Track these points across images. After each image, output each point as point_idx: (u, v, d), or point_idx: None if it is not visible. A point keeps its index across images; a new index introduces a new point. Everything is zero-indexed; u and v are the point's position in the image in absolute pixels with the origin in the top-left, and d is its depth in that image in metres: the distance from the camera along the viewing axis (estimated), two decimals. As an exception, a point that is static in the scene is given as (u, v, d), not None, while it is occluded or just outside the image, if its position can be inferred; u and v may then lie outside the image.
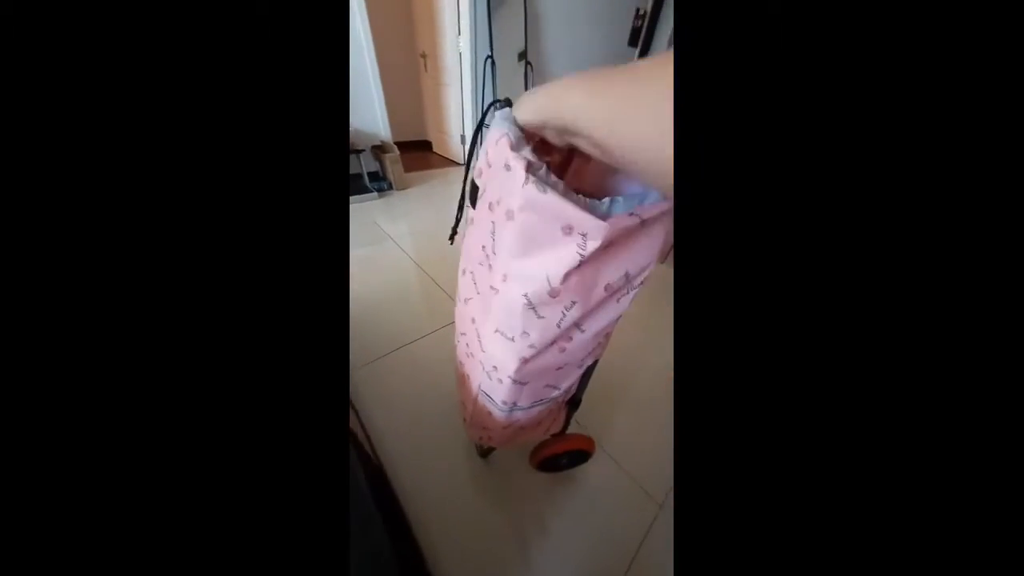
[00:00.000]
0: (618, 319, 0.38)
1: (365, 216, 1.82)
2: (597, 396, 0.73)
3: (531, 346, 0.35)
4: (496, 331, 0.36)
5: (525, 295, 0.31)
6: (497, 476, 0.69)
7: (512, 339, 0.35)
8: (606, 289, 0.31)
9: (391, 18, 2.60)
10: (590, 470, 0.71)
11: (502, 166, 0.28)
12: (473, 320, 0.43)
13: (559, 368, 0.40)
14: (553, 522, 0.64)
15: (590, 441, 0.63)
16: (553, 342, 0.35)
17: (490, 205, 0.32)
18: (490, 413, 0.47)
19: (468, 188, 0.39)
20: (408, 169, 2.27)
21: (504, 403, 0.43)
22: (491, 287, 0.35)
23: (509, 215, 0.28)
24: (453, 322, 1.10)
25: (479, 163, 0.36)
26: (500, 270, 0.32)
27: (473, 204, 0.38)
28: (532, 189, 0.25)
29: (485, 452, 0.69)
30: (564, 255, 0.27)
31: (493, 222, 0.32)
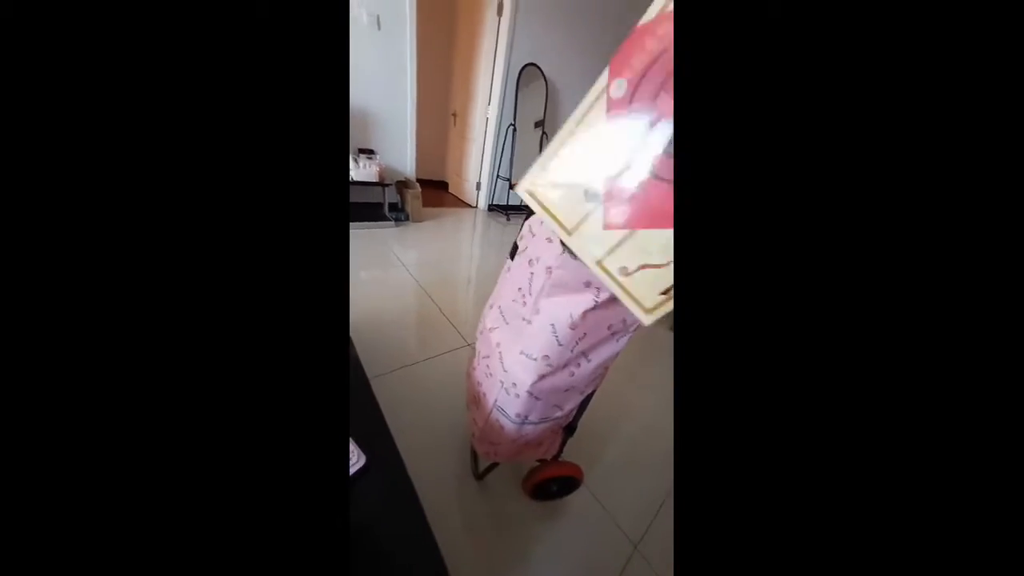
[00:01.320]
0: (615, 356, 0.50)
1: (382, 242, 1.96)
2: (585, 435, 0.80)
3: (549, 365, 0.45)
4: (521, 352, 0.47)
5: (552, 325, 0.42)
6: (486, 500, 0.72)
7: (535, 359, 0.45)
8: (609, 328, 0.43)
9: (433, 80, 3.04)
10: (572, 505, 0.75)
11: (544, 238, 0.42)
12: (498, 344, 0.54)
13: (566, 390, 0.50)
14: (534, 550, 0.67)
15: (579, 469, 0.69)
16: (565, 365, 0.46)
17: (530, 261, 0.45)
18: (502, 428, 0.54)
19: (512, 247, 0.53)
20: (425, 204, 2.49)
21: (517, 416, 0.51)
22: (523, 319, 0.47)
23: (548, 270, 0.41)
24: (452, 350, 1.18)
25: (523, 231, 0.50)
26: (533, 306, 0.44)
27: (512, 258, 0.51)
28: (567, 256, 0.38)
29: (481, 474, 0.73)
30: (583, 300, 0.40)
31: (532, 273, 0.44)
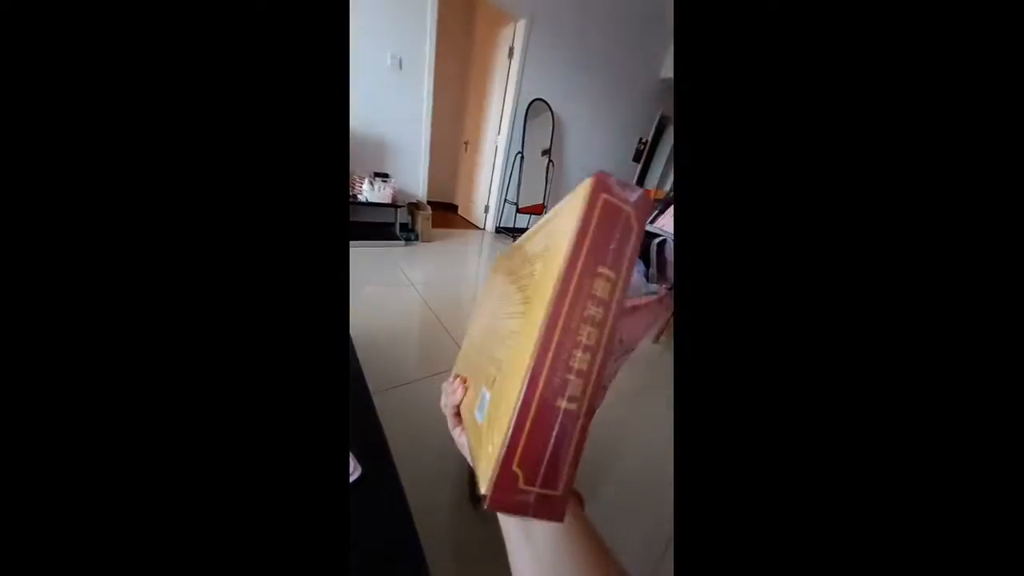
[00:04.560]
0: (613, 375, 0.50)
1: (391, 259, 2.02)
2: (584, 462, 0.76)
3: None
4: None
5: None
6: (482, 526, 0.69)
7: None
8: (607, 348, 0.44)
9: (447, 113, 3.27)
10: (575, 537, 0.71)
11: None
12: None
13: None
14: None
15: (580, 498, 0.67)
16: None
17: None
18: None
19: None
20: (435, 225, 2.58)
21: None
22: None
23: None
24: (452, 368, 1.17)
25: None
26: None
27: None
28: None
29: (478, 498, 0.71)
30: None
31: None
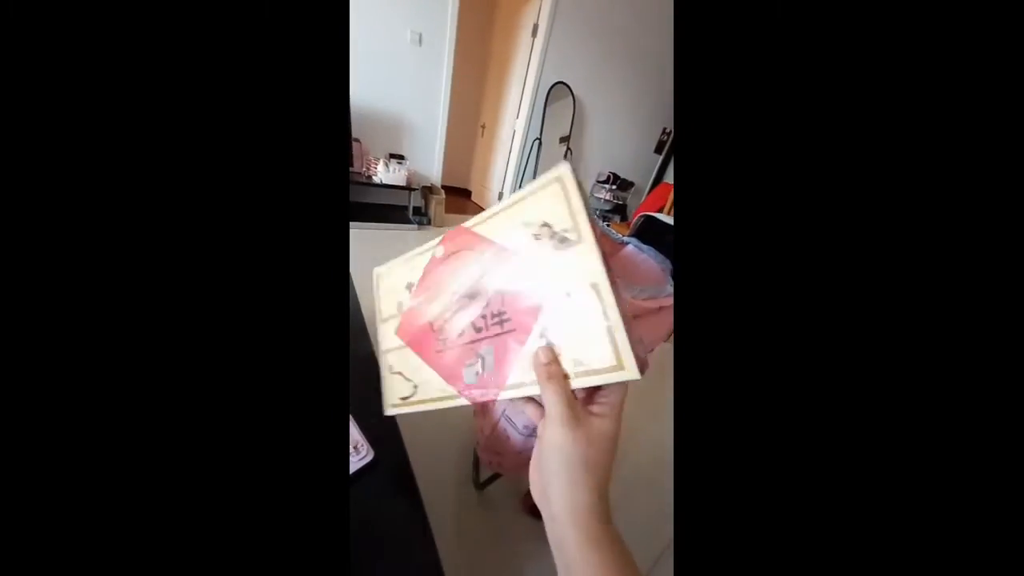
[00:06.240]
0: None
1: (403, 243, 2.03)
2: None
3: (562, 380, 0.45)
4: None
5: (568, 340, 0.42)
6: (484, 510, 0.71)
7: (548, 372, 0.45)
8: (626, 348, 0.42)
9: (465, 93, 3.18)
10: (575, 528, 0.72)
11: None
12: (511, 353, 0.54)
13: (576, 406, 0.49)
14: (527, 567, 0.64)
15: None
16: (578, 381, 0.45)
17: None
18: (508, 438, 0.54)
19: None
20: (447, 211, 2.56)
21: (525, 427, 0.51)
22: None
23: (569, 283, 0.41)
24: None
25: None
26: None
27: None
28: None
29: (482, 484, 0.72)
30: (602, 318, 0.39)
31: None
